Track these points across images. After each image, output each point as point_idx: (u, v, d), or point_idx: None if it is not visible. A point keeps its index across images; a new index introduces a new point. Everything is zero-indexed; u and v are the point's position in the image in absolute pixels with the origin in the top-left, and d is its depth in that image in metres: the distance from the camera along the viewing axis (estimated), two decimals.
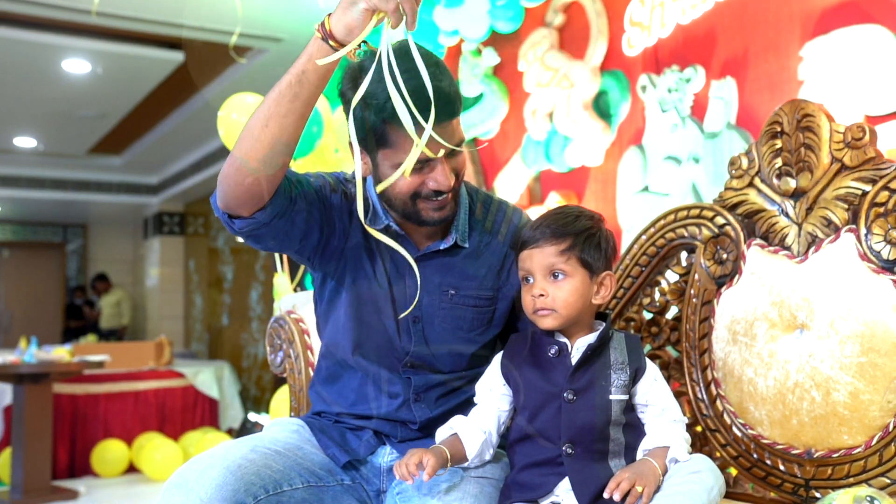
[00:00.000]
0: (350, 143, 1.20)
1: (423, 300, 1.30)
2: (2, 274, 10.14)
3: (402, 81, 1.08)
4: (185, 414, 5.16)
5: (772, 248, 1.39)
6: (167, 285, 9.18)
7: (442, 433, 1.21)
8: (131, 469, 4.79)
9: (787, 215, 1.38)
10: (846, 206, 1.30)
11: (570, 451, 1.15)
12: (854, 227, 1.28)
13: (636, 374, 1.21)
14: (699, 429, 1.49)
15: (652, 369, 1.23)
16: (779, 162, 1.38)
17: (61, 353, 4.35)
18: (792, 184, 1.36)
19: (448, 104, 1.18)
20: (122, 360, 5.24)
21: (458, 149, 1.23)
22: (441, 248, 1.32)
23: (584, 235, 1.21)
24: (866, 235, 1.27)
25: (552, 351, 1.20)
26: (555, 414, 1.16)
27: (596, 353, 1.19)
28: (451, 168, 1.23)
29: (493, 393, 1.23)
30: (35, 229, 10.35)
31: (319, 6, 3.91)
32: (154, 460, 4.55)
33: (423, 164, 1.21)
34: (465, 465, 1.20)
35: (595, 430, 1.16)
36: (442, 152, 1.19)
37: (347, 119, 1.19)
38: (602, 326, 1.24)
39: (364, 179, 1.31)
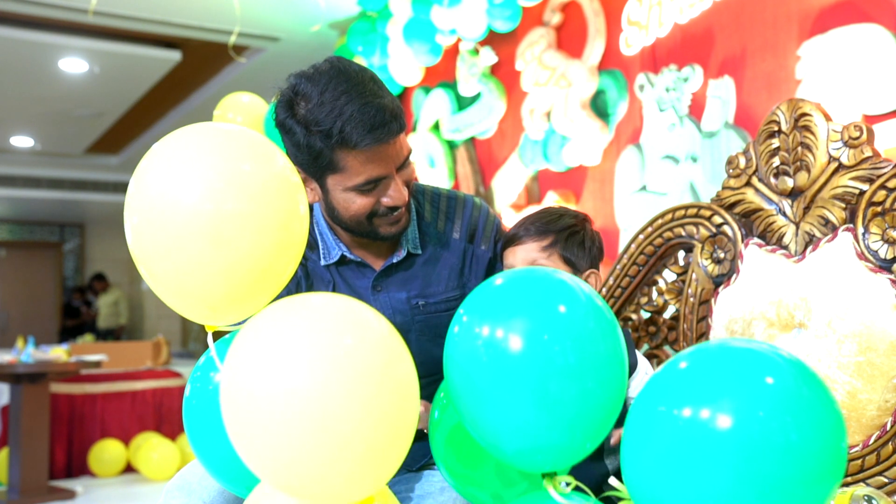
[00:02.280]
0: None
1: (395, 319, 1.29)
2: None
3: (344, 104, 1.09)
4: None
5: (769, 248, 1.39)
6: None
7: None
8: (129, 469, 4.78)
9: (784, 214, 1.38)
10: (843, 206, 1.30)
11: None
12: (851, 226, 1.29)
13: (629, 371, 1.20)
14: None
15: (643, 364, 1.24)
16: (776, 161, 1.38)
17: (58, 352, 4.35)
18: (789, 183, 1.36)
19: (394, 120, 1.15)
20: (119, 359, 5.23)
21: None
22: (395, 261, 1.30)
23: (567, 233, 1.22)
24: (864, 234, 1.27)
25: None
26: None
27: None
28: (403, 181, 1.21)
29: None
30: (32, 229, 10.33)
31: (321, 7, 3.91)
32: (151, 460, 4.54)
33: (377, 184, 1.18)
34: None
35: None
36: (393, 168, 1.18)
37: (286, 148, 1.18)
38: None
39: (311, 208, 1.30)
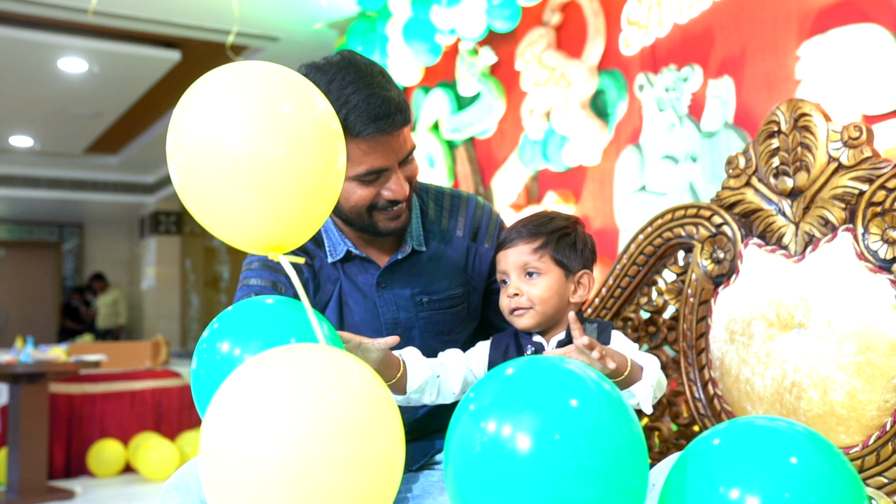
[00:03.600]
0: None
1: (399, 316, 1.30)
2: None
3: (350, 93, 1.10)
4: (182, 414, 5.15)
5: (769, 248, 1.39)
6: (163, 285, 9.17)
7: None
8: (128, 469, 4.78)
9: (784, 214, 1.38)
10: (843, 206, 1.30)
11: None
12: (851, 226, 1.28)
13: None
14: (696, 428, 1.49)
15: (616, 336, 1.23)
16: (776, 161, 1.38)
17: (57, 352, 4.34)
18: (789, 183, 1.36)
19: (398, 113, 1.16)
20: (118, 359, 5.23)
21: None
22: (399, 258, 1.30)
23: (558, 234, 1.22)
24: (863, 235, 1.27)
25: (529, 351, 1.21)
26: None
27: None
28: (405, 176, 1.22)
29: (469, 366, 1.22)
30: (31, 228, 10.33)
31: (322, 6, 3.91)
32: (150, 460, 4.54)
33: (378, 175, 1.19)
34: (405, 396, 1.14)
35: None
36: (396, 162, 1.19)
37: None
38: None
39: None
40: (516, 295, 1.19)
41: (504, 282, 1.22)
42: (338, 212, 1.26)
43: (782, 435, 0.75)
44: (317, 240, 1.30)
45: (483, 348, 1.26)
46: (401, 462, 0.72)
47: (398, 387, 1.13)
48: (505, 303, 1.21)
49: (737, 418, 0.82)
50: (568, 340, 1.19)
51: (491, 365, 1.23)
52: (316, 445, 0.65)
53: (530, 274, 1.20)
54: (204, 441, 0.69)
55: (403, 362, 1.13)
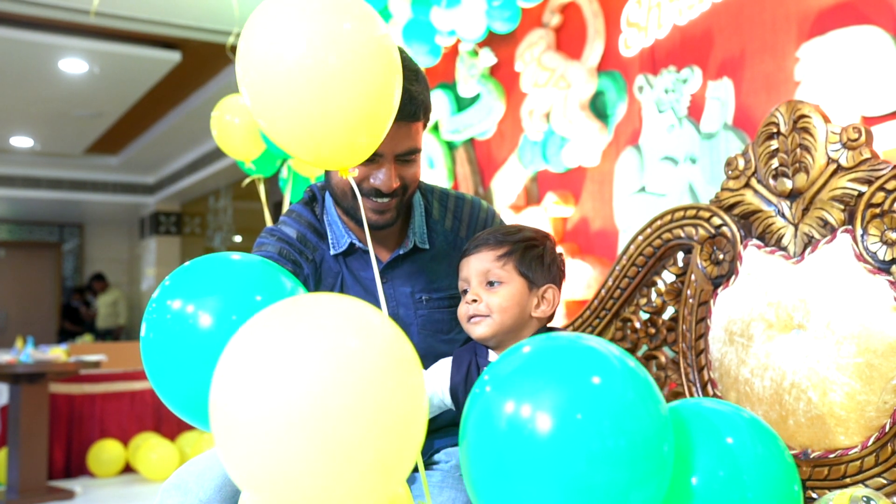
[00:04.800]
0: None
1: (399, 312, 1.30)
2: None
3: None
4: None
5: (768, 249, 1.39)
6: None
7: None
8: (127, 469, 4.78)
9: (783, 216, 1.38)
10: (842, 207, 1.30)
11: None
12: (850, 227, 1.29)
13: None
14: None
15: None
16: (775, 163, 1.38)
17: (57, 352, 4.34)
18: (788, 184, 1.36)
19: (410, 104, 1.16)
20: (118, 359, 5.23)
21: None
22: (401, 253, 1.30)
23: (524, 245, 1.17)
24: (862, 236, 1.27)
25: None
26: None
27: None
28: (399, 175, 1.21)
29: (431, 386, 1.17)
30: (31, 229, 10.33)
31: None
32: (150, 460, 4.54)
33: (373, 159, 1.18)
34: None
35: None
36: (387, 152, 1.19)
37: None
38: None
39: (322, 199, 1.34)
40: (475, 301, 1.14)
41: (465, 291, 1.17)
42: (330, 187, 1.27)
43: (722, 417, 0.74)
44: (320, 232, 1.31)
45: (444, 368, 1.19)
46: (423, 417, 0.67)
47: None
48: (462, 310, 1.16)
49: (686, 399, 0.82)
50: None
51: (453, 389, 1.16)
52: (334, 394, 0.61)
53: (492, 283, 1.15)
54: (215, 391, 0.64)
55: None
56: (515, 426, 0.66)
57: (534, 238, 1.19)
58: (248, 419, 0.61)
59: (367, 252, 1.30)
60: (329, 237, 1.31)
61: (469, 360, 1.17)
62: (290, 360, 0.62)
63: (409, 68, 1.18)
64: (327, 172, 1.27)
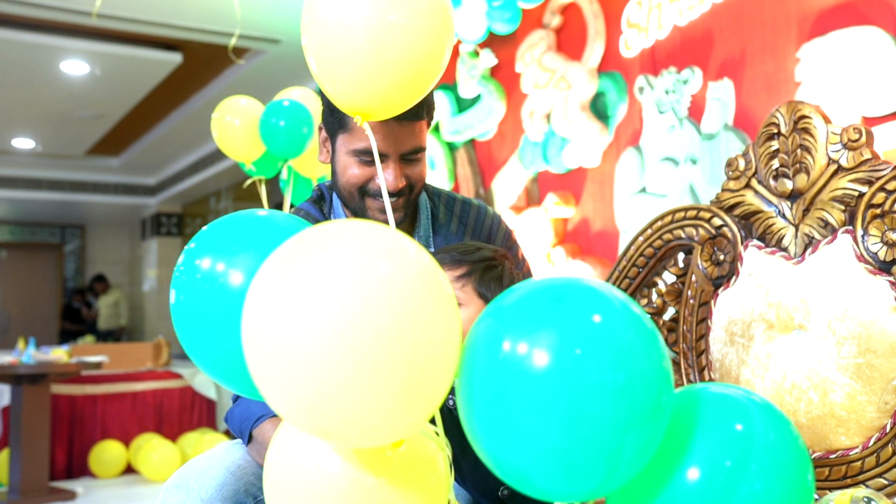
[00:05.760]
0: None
1: None
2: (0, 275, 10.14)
3: None
4: (183, 415, 5.16)
5: (769, 250, 1.39)
6: (165, 286, 9.17)
7: None
8: (129, 470, 4.79)
9: (783, 216, 1.38)
10: (843, 208, 1.30)
11: (506, 491, 1.09)
12: (851, 228, 1.29)
13: None
14: None
15: None
16: (776, 163, 1.38)
17: (59, 353, 4.35)
18: (789, 185, 1.36)
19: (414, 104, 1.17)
20: (119, 360, 5.23)
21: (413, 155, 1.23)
22: None
23: (483, 266, 1.13)
24: (863, 237, 1.27)
25: (450, 402, 1.09)
26: (473, 464, 1.03)
27: None
28: (404, 174, 1.22)
29: None
30: (33, 230, 10.34)
31: None
32: (152, 461, 4.54)
33: (378, 159, 1.20)
34: None
35: None
36: (391, 150, 1.20)
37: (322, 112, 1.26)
38: None
39: (330, 199, 1.35)
40: None
41: None
42: (336, 186, 1.27)
43: (732, 401, 0.72)
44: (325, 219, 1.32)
45: None
46: (456, 344, 0.66)
47: None
48: None
49: (693, 384, 0.79)
50: None
51: None
52: (367, 319, 0.59)
53: None
54: (247, 319, 0.63)
55: None
56: (513, 362, 0.65)
57: (493, 258, 1.15)
58: (281, 346, 0.60)
59: None
60: None
61: None
62: (321, 285, 0.60)
63: None
64: (333, 175, 1.28)
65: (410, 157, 1.22)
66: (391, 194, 1.22)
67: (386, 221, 1.24)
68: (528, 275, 1.39)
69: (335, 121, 1.24)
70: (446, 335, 0.64)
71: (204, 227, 0.81)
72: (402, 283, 0.62)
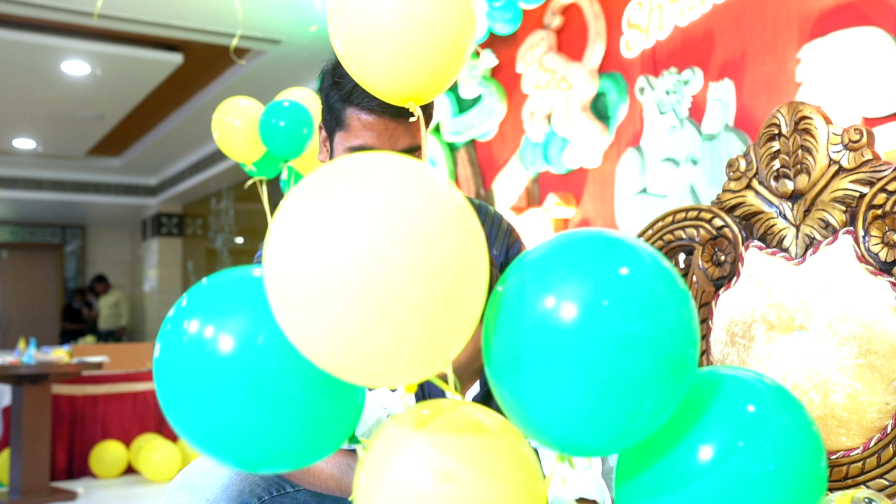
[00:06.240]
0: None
1: None
2: (0, 275, 10.14)
3: None
4: None
5: (770, 250, 1.39)
6: (166, 286, 9.18)
7: None
8: (130, 470, 4.79)
9: (784, 217, 1.38)
10: (844, 208, 1.30)
11: None
12: (852, 229, 1.29)
13: None
14: None
15: None
16: (776, 164, 1.38)
17: (60, 354, 4.35)
18: (790, 186, 1.36)
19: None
20: (120, 361, 5.24)
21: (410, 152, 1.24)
22: None
23: None
24: (864, 237, 1.27)
25: None
26: None
27: (486, 403, 1.07)
28: None
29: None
30: (34, 230, 10.35)
31: (317, 9, 3.92)
32: (152, 461, 4.55)
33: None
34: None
35: None
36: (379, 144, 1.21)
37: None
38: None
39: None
40: None
41: None
42: None
43: (743, 383, 0.71)
44: None
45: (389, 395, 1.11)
46: (484, 280, 0.64)
47: None
48: None
49: (701, 367, 0.77)
50: (486, 393, 1.07)
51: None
52: (393, 251, 0.57)
53: None
54: (270, 254, 0.61)
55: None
56: (541, 316, 0.64)
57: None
58: (303, 278, 0.58)
59: None
60: None
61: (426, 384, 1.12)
62: (347, 215, 0.58)
63: None
64: None
65: (406, 155, 1.22)
66: None
67: None
68: None
69: (333, 118, 1.25)
70: (474, 272, 0.62)
71: (200, 282, 0.76)
72: (432, 216, 0.59)
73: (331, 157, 1.29)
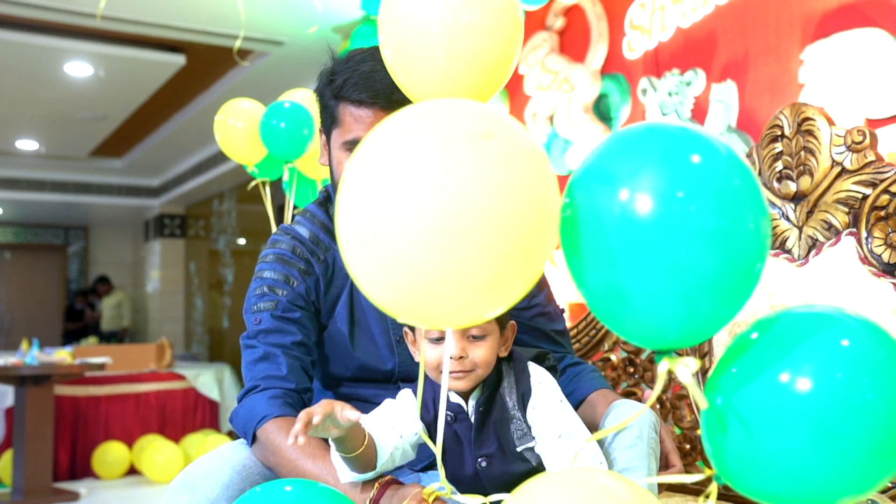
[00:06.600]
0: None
1: None
2: (3, 276, 10.16)
3: (359, 62, 1.19)
4: (186, 416, 5.17)
5: (772, 252, 1.39)
6: (168, 287, 9.19)
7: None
8: (132, 471, 4.79)
9: (787, 219, 1.38)
10: (847, 210, 1.30)
11: (483, 463, 1.08)
12: (854, 230, 1.29)
13: (523, 401, 1.08)
14: (700, 431, 1.50)
15: (539, 394, 1.08)
16: (779, 165, 1.38)
17: (63, 355, 4.36)
18: (792, 187, 1.36)
19: (396, 92, 1.13)
20: (122, 362, 5.24)
21: None
22: None
23: None
24: (867, 239, 1.27)
25: (448, 417, 1.07)
26: (473, 476, 1.08)
27: (489, 406, 1.08)
28: None
29: (405, 426, 1.06)
30: (36, 231, 10.36)
31: (317, 10, 3.93)
32: (155, 462, 4.55)
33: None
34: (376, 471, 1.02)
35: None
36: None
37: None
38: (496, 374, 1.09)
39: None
40: (461, 358, 1.03)
41: (437, 339, 1.04)
42: (334, 186, 1.28)
43: (831, 319, 0.71)
44: (332, 233, 1.31)
45: (401, 413, 1.08)
46: (554, 228, 0.67)
47: (363, 460, 0.98)
48: (437, 361, 1.04)
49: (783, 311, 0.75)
50: (488, 397, 1.07)
51: (427, 428, 1.09)
52: (470, 197, 0.59)
53: (474, 336, 1.04)
54: (343, 198, 0.64)
55: (368, 433, 0.99)
56: (617, 211, 0.66)
57: None
58: (375, 224, 0.60)
59: None
60: None
61: (432, 397, 1.10)
62: (422, 160, 0.60)
63: None
64: (331, 176, 1.29)
65: None
66: None
67: None
68: (542, 279, 1.38)
69: (328, 117, 1.25)
70: (546, 214, 0.64)
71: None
72: (508, 159, 0.61)
73: (329, 157, 1.29)
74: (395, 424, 1.05)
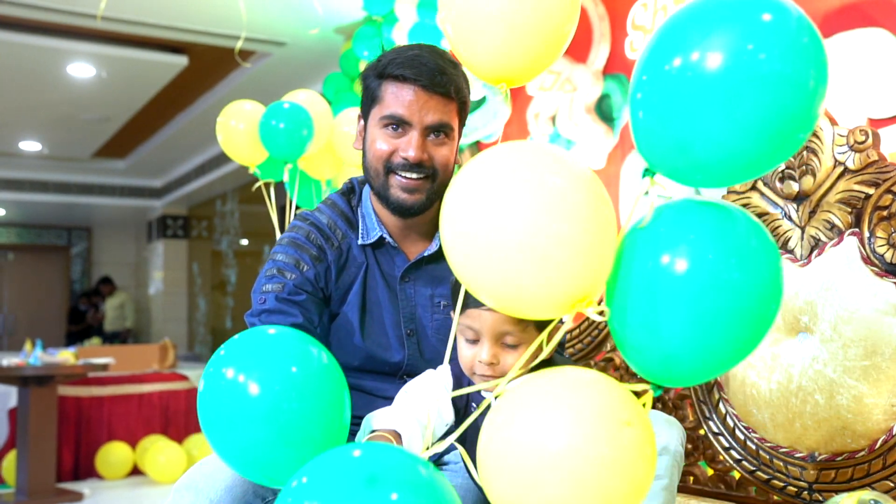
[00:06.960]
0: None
1: (416, 313, 1.32)
2: (6, 277, 10.18)
3: (405, 49, 1.25)
4: (190, 416, 5.17)
5: None
6: (171, 288, 9.21)
7: (382, 422, 1.07)
8: (135, 471, 4.80)
9: (790, 219, 1.38)
10: (849, 210, 1.30)
11: None
12: (857, 230, 1.29)
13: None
14: (702, 432, 1.50)
15: None
16: (781, 165, 1.38)
17: (66, 355, 4.37)
18: (795, 187, 1.36)
19: (440, 75, 1.23)
20: (126, 362, 5.25)
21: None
22: (426, 255, 1.32)
23: None
24: (869, 239, 1.27)
25: (472, 408, 1.11)
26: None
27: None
28: (427, 151, 1.26)
29: (434, 408, 1.09)
30: (39, 232, 10.39)
31: (318, 12, 3.93)
32: (158, 463, 4.56)
33: (398, 126, 1.25)
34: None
35: None
36: (417, 121, 1.25)
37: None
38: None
39: (360, 195, 1.39)
40: (492, 364, 1.04)
41: (473, 339, 1.05)
42: (366, 167, 1.32)
43: (718, 209, 0.86)
44: (351, 222, 1.35)
45: (433, 393, 1.11)
46: (612, 243, 0.81)
47: None
48: (469, 360, 1.06)
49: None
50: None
51: (457, 410, 1.12)
52: (546, 221, 0.77)
53: (508, 342, 1.04)
54: (448, 219, 0.80)
55: (398, 434, 1.03)
56: (656, 269, 0.80)
57: None
58: (478, 241, 0.78)
59: (395, 248, 1.33)
60: (360, 227, 1.34)
61: (465, 383, 1.12)
62: (509, 194, 0.77)
63: (450, 60, 1.28)
64: (364, 157, 1.32)
65: (435, 131, 1.26)
66: (411, 167, 1.25)
67: (408, 201, 1.27)
68: None
69: (369, 98, 1.29)
70: (603, 235, 0.81)
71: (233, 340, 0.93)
72: (571, 193, 0.79)
73: (364, 138, 1.31)
74: (419, 417, 1.08)
